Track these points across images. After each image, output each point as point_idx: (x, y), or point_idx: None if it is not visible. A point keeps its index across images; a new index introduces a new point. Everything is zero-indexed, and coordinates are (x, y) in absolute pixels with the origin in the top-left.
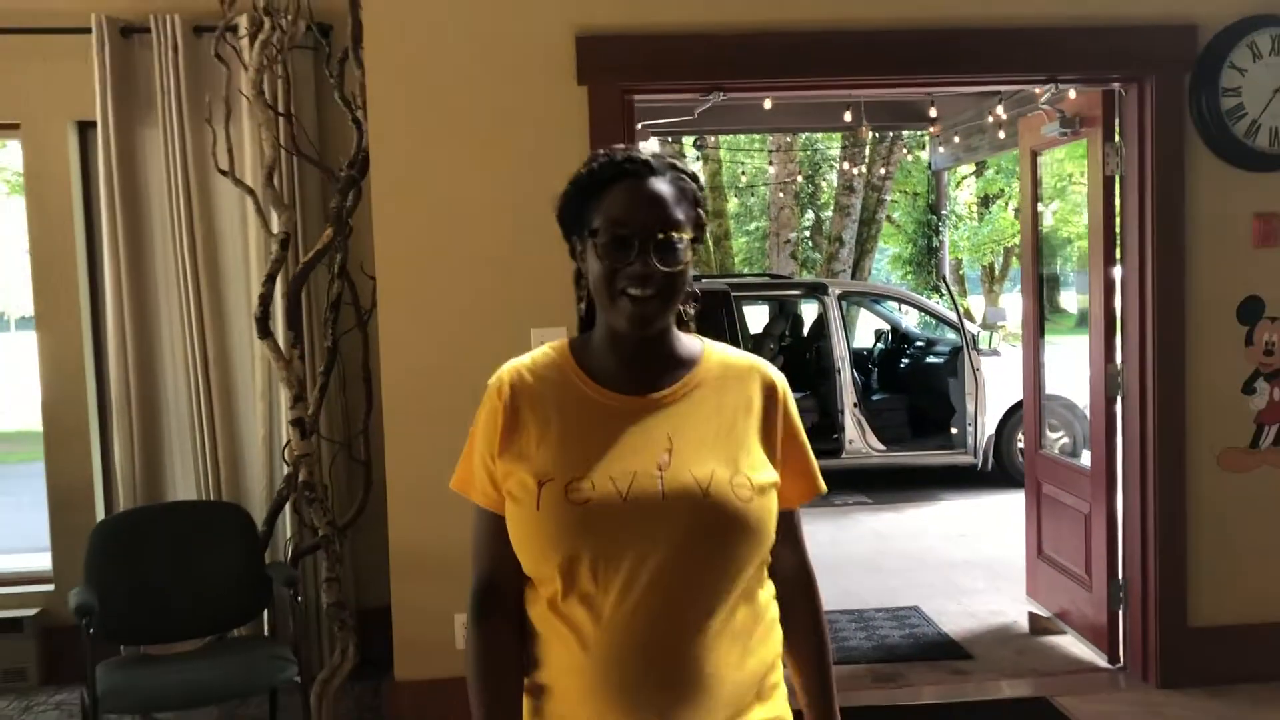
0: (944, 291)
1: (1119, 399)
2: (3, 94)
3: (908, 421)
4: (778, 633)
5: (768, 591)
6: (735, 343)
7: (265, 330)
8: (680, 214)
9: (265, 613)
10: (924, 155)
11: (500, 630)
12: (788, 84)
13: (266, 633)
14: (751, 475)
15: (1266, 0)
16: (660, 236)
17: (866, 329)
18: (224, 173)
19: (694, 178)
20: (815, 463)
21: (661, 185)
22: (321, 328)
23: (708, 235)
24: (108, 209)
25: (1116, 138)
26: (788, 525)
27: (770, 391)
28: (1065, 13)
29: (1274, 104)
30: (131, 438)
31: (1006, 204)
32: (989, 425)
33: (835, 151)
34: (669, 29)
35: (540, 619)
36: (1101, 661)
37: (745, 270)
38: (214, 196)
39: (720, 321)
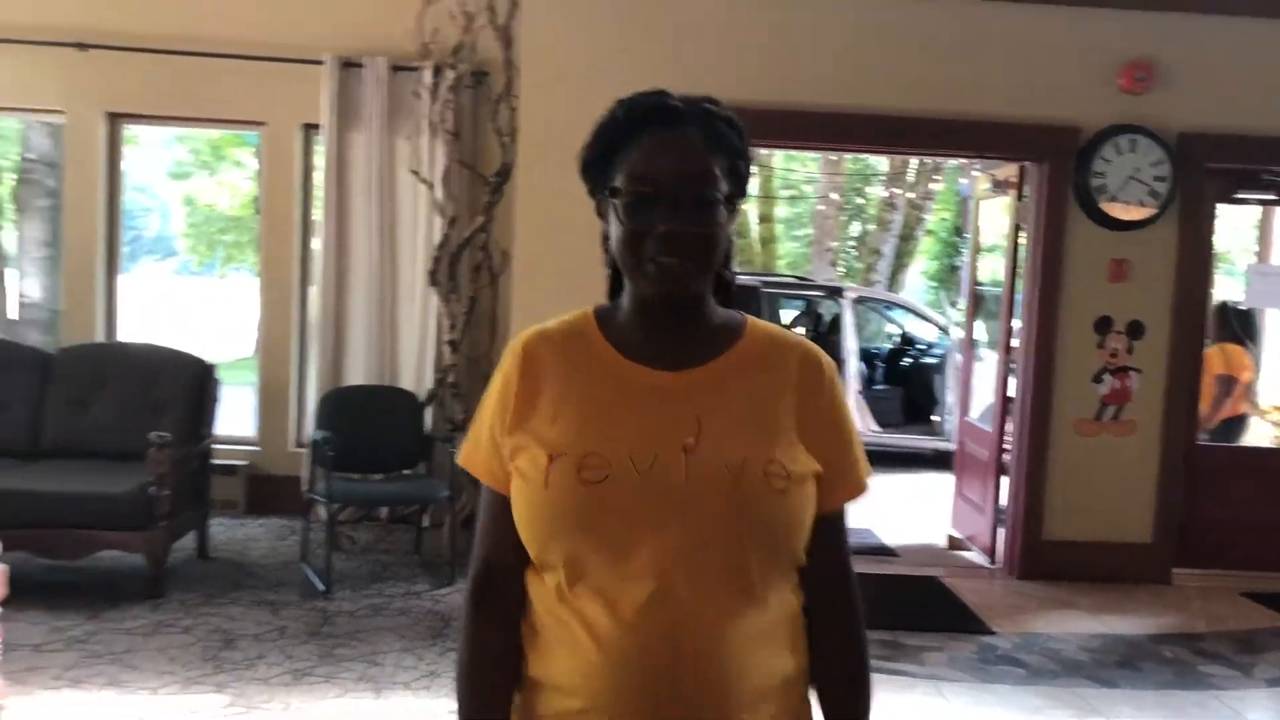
0: (950, 304)
1: (1010, 378)
2: (255, 102)
3: (901, 409)
4: (804, 643)
5: (798, 596)
6: None
7: (435, 280)
8: (715, 166)
9: (423, 463)
10: (961, 183)
11: (494, 622)
12: (821, 146)
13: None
14: (788, 462)
15: (1127, 113)
16: (690, 193)
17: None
18: (415, 173)
19: (732, 123)
20: (862, 456)
21: (693, 133)
22: (467, 283)
23: (752, 225)
24: (325, 188)
25: (1024, 198)
26: (830, 528)
27: (814, 372)
28: (994, 111)
29: (1127, 186)
30: (326, 348)
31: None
32: None
33: (884, 166)
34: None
35: (546, 610)
36: (985, 563)
37: (787, 273)
38: (396, 185)
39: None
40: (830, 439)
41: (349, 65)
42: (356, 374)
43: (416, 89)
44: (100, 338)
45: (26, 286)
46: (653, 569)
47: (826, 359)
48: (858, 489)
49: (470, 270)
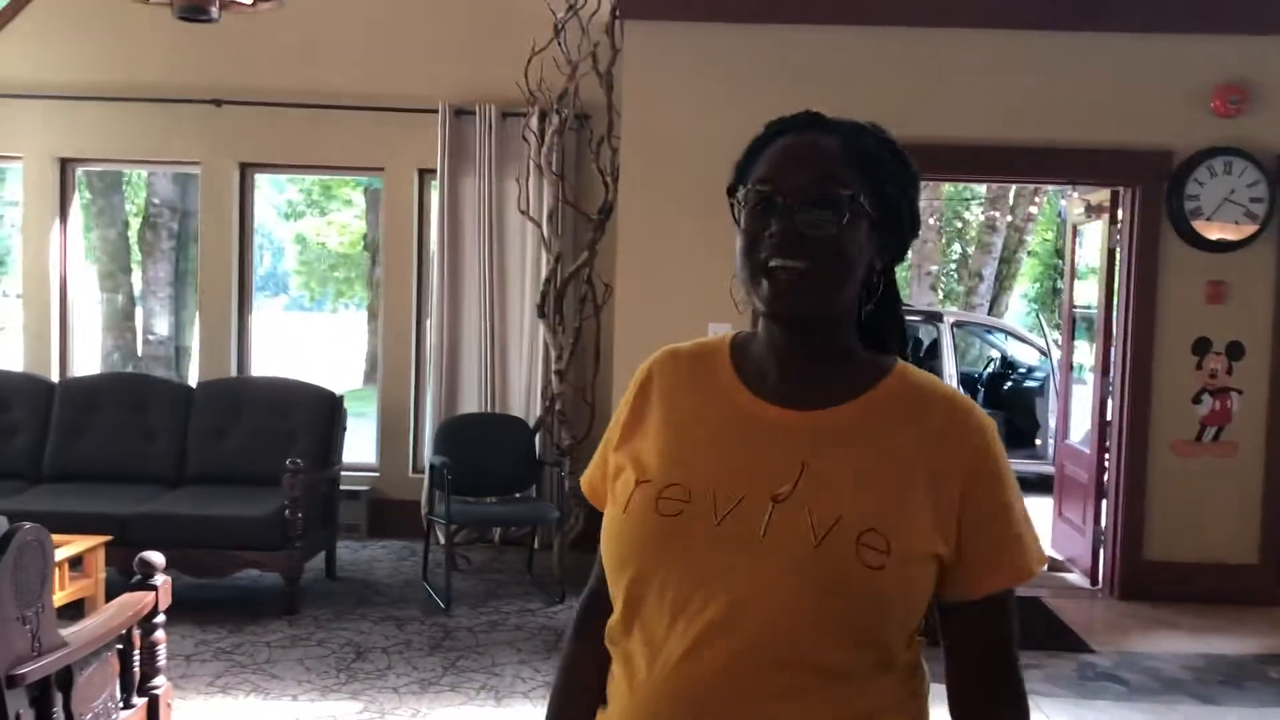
0: (1045, 327)
1: (1108, 400)
2: (374, 149)
3: (1003, 433)
4: None
5: (902, 697)
6: None
7: (542, 313)
8: (848, 173)
9: (534, 486)
10: (1060, 205)
11: (592, 651)
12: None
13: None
14: (892, 535)
15: (1220, 136)
16: (814, 195)
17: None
18: (523, 212)
19: (885, 141)
20: (1026, 537)
21: (830, 140)
22: (573, 315)
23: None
24: (438, 228)
25: (1118, 222)
26: (981, 616)
27: (961, 432)
28: (1086, 138)
29: (1221, 208)
30: (441, 378)
31: None
32: None
33: (983, 189)
34: None
35: (609, 643)
36: (1085, 585)
37: None
38: (506, 224)
39: None
40: (978, 513)
41: (461, 113)
42: (470, 402)
43: (524, 133)
44: (233, 372)
45: (153, 324)
46: (700, 623)
47: (982, 418)
48: (1019, 573)
49: (576, 303)
